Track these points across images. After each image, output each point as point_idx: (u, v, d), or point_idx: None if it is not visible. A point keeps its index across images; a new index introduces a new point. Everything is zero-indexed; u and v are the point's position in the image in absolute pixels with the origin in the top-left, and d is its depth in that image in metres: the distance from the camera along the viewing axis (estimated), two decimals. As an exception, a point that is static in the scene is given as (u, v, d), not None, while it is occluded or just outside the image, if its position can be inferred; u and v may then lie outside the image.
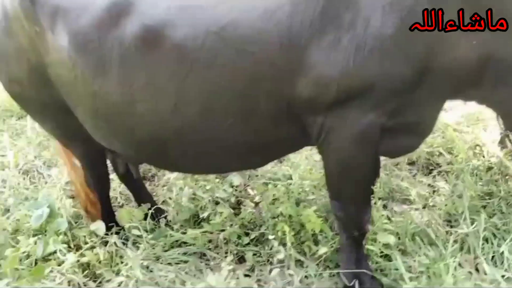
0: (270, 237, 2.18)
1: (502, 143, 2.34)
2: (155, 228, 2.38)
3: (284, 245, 2.12)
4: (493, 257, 1.94)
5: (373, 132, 1.62)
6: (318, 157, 2.63)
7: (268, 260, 2.16)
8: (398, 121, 1.63)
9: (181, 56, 1.59)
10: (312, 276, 1.95)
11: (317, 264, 2.02)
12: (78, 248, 2.26)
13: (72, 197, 2.65)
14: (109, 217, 2.40)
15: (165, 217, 2.50)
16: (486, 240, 2.00)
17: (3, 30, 1.87)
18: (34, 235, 2.34)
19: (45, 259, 2.21)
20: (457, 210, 2.19)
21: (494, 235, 2.03)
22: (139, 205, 2.52)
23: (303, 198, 2.40)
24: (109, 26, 1.62)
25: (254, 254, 2.17)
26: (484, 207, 2.23)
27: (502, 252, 1.93)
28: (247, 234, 2.31)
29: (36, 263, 2.17)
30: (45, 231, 2.35)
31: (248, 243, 2.27)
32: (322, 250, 2.01)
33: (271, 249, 2.19)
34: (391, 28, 1.45)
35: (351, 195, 1.80)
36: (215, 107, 1.68)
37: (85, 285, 2.02)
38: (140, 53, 1.62)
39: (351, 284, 1.85)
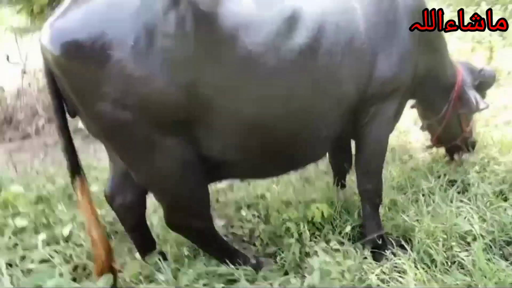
0: (291, 240, 2.52)
1: (422, 128, 3.47)
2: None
3: (298, 240, 2.53)
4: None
5: (396, 116, 2.42)
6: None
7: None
8: (400, 109, 2.48)
9: (332, 56, 2.02)
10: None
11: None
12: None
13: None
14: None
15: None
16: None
17: (144, 47, 1.69)
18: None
19: None
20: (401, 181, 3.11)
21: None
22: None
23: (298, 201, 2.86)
24: (283, 38, 1.88)
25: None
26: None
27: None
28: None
29: None
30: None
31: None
32: (347, 228, 2.52)
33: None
34: (412, 46, 2.32)
35: (377, 167, 2.52)
36: (327, 100, 2.14)
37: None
38: (304, 59, 1.94)
39: (380, 243, 2.45)
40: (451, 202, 2.78)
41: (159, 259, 2.37)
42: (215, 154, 2.01)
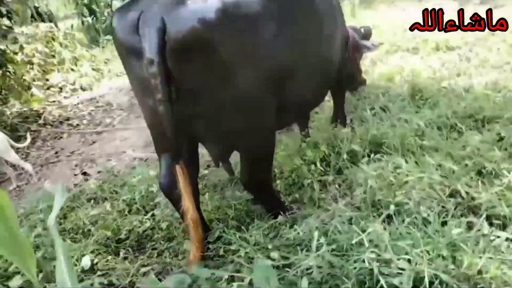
0: (308, 181, 2.98)
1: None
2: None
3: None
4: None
5: None
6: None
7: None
8: None
9: (337, 24, 2.97)
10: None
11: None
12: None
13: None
14: None
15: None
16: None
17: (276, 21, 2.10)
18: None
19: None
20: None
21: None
22: None
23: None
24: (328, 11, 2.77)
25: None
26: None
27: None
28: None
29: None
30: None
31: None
32: (344, 155, 3.09)
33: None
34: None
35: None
36: (337, 49, 2.93)
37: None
38: (331, 24, 2.81)
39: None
40: (386, 120, 3.66)
41: (223, 231, 2.51)
42: (294, 98, 2.39)
